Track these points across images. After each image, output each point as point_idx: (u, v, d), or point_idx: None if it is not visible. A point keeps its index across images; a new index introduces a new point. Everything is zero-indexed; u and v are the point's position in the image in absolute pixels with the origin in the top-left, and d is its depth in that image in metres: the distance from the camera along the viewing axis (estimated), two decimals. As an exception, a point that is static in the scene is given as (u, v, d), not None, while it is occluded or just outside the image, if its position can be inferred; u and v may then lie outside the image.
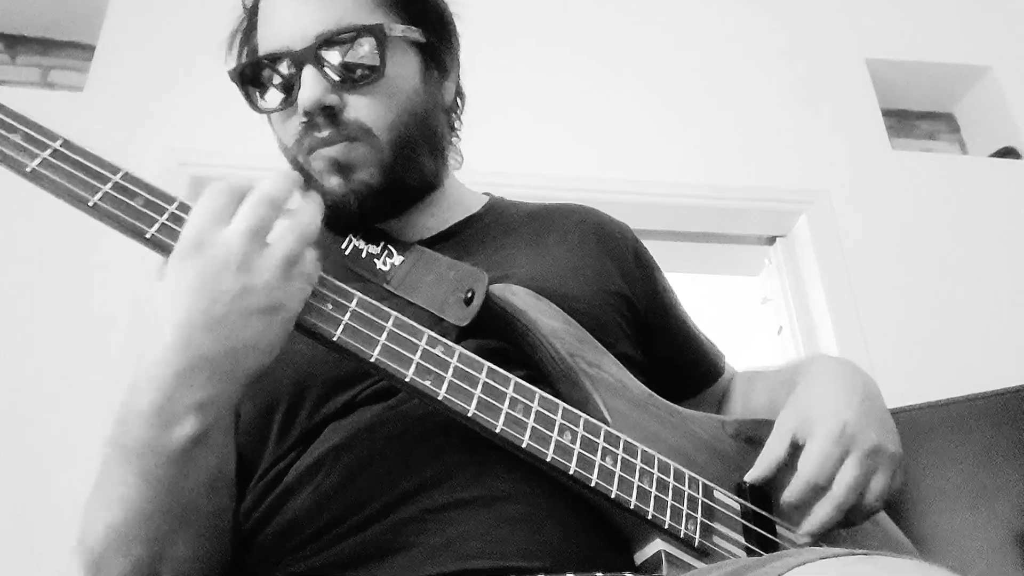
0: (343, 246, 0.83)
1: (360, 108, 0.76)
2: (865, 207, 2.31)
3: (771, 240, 2.37)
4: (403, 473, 0.65)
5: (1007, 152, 2.52)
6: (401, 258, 0.80)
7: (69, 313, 1.86)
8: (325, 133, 0.76)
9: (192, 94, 2.14)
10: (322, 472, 0.67)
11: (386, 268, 0.79)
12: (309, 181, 0.80)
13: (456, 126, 0.92)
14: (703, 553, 0.64)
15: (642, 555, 0.64)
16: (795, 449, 0.70)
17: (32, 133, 0.59)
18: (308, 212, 0.59)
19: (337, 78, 0.75)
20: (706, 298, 3.01)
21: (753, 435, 0.75)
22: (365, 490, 0.64)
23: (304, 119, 0.76)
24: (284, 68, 0.77)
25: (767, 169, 2.33)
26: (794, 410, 0.73)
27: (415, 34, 0.81)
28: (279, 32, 0.77)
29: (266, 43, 0.79)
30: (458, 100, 0.92)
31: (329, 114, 0.75)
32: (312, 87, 0.74)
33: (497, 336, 0.72)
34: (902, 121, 2.73)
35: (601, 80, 2.39)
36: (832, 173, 2.35)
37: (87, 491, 0.60)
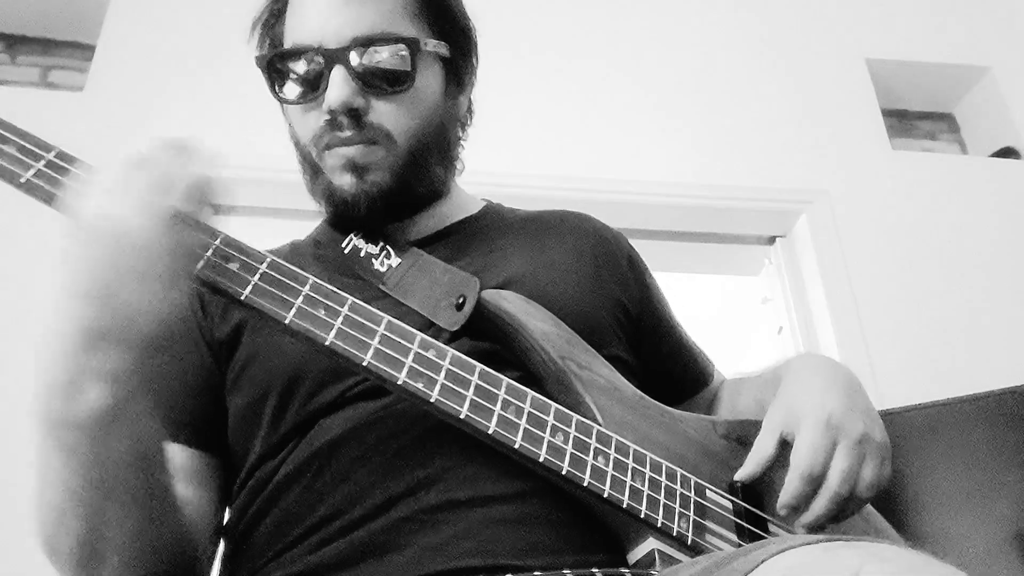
0: (343, 244, 0.84)
1: (385, 113, 0.77)
2: (865, 207, 2.30)
3: (771, 240, 2.37)
4: (396, 473, 0.65)
5: (1007, 152, 2.51)
6: (398, 260, 0.80)
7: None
8: (347, 133, 0.76)
9: (192, 94, 2.14)
10: (314, 470, 0.67)
11: (383, 269, 0.80)
12: (318, 175, 0.80)
13: (463, 136, 0.93)
14: (696, 551, 0.64)
15: (635, 554, 0.64)
16: (784, 446, 0.70)
17: (26, 144, 0.59)
18: (167, 159, 0.55)
19: (366, 82, 0.76)
20: (706, 298, 3.01)
21: (743, 435, 0.75)
22: (358, 489, 0.65)
23: (327, 117, 0.76)
24: (313, 63, 0.77)
25: (767, 169, 2.32)
26: (780, 407, 0.73)
27: (443, 49, 0.82)
28: (313, 27, 0.77)
29: (297, 34, 0.79)
30: (469, 113, 0.93)
31: (353, 115, 0.76)
32: (341, 87, 0.74)
33: (490, 340, 0.73)
34: (902, 121, 2.73)
35: (602, 81, 2.39)
36: (832, 173, 2.34)
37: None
